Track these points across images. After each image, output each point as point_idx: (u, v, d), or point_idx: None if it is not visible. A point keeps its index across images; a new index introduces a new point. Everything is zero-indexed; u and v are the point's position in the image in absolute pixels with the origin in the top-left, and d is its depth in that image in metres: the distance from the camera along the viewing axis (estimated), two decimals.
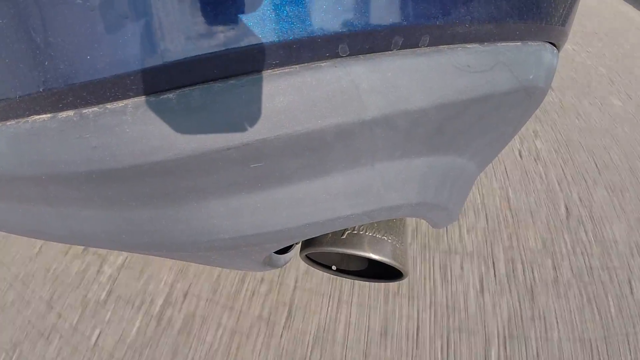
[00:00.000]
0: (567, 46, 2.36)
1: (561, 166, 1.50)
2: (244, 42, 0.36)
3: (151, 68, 0.37)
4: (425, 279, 1.12)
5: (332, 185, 0.48)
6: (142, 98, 0.39)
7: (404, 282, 1.11)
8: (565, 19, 0.58)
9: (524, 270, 1.15)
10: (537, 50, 0.55)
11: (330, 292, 1.09)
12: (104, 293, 1.10)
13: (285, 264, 0.83)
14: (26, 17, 0.36)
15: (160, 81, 0.38)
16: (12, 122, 0.43)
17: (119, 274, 1.13)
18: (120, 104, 0.40)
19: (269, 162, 0.43)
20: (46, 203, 0.52)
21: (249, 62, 0.38)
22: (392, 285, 1.11)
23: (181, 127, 0.40)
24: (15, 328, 1.04)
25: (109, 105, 0.40)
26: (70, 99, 0.39)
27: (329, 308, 1.06)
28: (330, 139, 0.43)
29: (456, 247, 1.20)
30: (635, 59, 2.34)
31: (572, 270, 1.16)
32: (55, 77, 0.38)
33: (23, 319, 1.05)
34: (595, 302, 1.09)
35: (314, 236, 0.56)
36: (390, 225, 0.83)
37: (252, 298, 1.07)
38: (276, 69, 0.40)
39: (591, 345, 1.01)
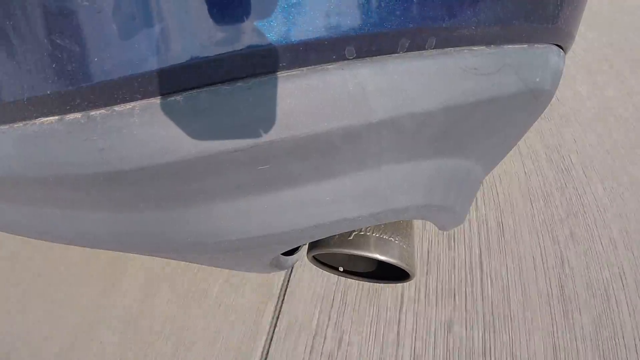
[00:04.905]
0: None
1: None
2: (251, 45, 0.37)
3: (158, 70, 0.37)
4: None
5: (339, 187, 0.48)
6: (150, 100, 0.39)
7: None
8: (571, 21, 0.58)
9: None
10: (544, 53, 0.55)
11: None
12: None
13: (292, 265, 0.83)
14: (33, 19, 0.36)
15: (168, 83, 0.38)
16: (20, 124, 0.43)
17: None
18: (127, 106, 0.40)
19: (276, 164, 0.43)
20: (53, 205, 0.52)
21: (256, 64, 0.38)
22: None
23: (188, 129, 0.40)
24: None
25: (116, 108, 0.40)
26: (78, 101, 0.39)
27: None
28: (337, 141, 0.43)
29: None
30: None
31: None
32: (63, 79, 0.38)
33: None
34: None
35: (321, 238, 0.56)
36: (397, 226, 0.83)
37: None
38: (283, 72, 0.40)
39: None
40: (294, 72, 0.40)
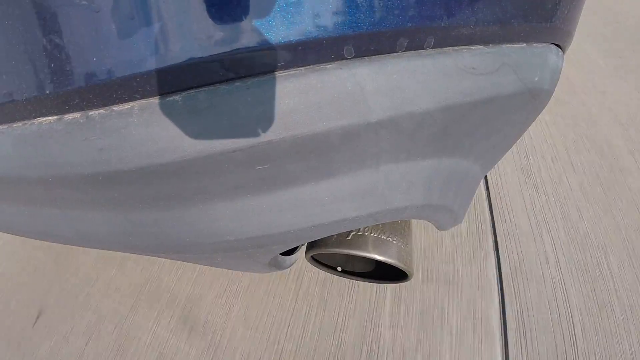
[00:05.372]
0: None
1: None
2: (250, 44, 0.37)
3: (157, 70, 0.37)
4: None
5: (338, 187, 0.48)
6: (149, 100, 0.39)
7: None
8: (570, 21, 0.58)
9: None
10: (542, 52, 0.55)
11: None
12: None
13: (291, 265, 0.83)
14: (32, 19, 0.36)
15: (167, 83, 0.38)
16: (19, 124, 0.43)
17: None
18: (126, 106, 0.40)
19: (275, 164, 0.43)
20: (52, 205, 0.52)
21: (255, 64, 0.38)
22: None
23: (187, 129, 0.40)
24: None
25: (115, 107, 0.40)
26: (77, 100, 0.39)
27: None
28: (335, 141, 0.43)
29: None
30: None
31: None
32: (62, 79, 0.38)
33: None
34: None
35: (319, 238, 0.56)
36: (395, 226, 0.83)
37: None
38: (282, 71, 0.40)
39: None
40: (293, 72, 0.40)
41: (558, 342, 0.96)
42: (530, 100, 0.56)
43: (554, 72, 0.59)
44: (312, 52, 0.39)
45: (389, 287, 1.06)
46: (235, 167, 0.43)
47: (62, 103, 0.40)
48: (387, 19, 0.39)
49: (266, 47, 0.37)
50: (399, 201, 0.52)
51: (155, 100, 0.39)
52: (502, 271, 1.08)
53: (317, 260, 0.98)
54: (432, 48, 0.44)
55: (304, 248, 0.91)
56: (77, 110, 0.41)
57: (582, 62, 1.84)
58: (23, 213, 0.57)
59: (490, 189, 1.29)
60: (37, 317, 1.10)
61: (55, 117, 0.42)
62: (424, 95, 0.44)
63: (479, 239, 1.15)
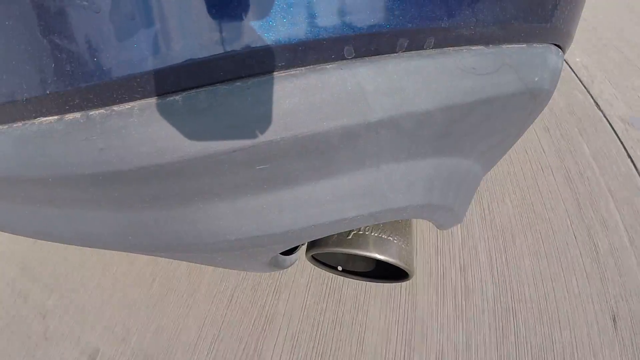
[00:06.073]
0: None
1: None
2: (250, 44, 0.37)
3: (157, 70, 0.37)
4: None
5: (338, 186, 0.48)
6: (149, 100, 0.39)
7: None
8: (570, 21, 0.58)
9: None
10: (542, 53, 0.55)
11: None
12: None
13: (291, 265, 0.83)
14: (32, 19, 0.36)
15: (167, 83, 0.38)
16: (19, 124, 0.43)
17: None
18: (126, 106, 0.40)
19: (275, 164, 0.43)
20: (52, 205, 0.52)
21: (255, 64, 0.38)
22: None
23: (187, 129, 0.40)
24: None
25: (115, 107, 0.40)
26: (77, 101, 0.39)
27: None
28: (335, 141, 0.43)
29: None
30: None
31: None
32: (62, 79, 0.38)
33: None
34: None
35: (319, 237, 0.56)
36: (395, 225, 0.83)
37: None
38: (282, 71, 0.40)
39: None
40: (293, 72, 0.40)
41: None
42: (530, 100, 0.56)
43: (554, 72, 0.59)
44: (312, 52, 0.39)
45: None
46: (235, 167, 0.43)
47: (62, 103, 0.40)
48: (388, 19, 0.39)
49: (266, 47, 0.37)
50: (400, 201, 0.52)
51: (155, 101, 0.39)
52: None
53: (317, 260, 0.98)
54: (432, 48, 0.44)
55: (304, 247, 0.91)
56: (78, 110, 0.41)
57: None
58: (23, 213, 0.57)
59: None
60: None
61: (55, 117, 0.42)
62: (424, 95, 0.44)
63: None
